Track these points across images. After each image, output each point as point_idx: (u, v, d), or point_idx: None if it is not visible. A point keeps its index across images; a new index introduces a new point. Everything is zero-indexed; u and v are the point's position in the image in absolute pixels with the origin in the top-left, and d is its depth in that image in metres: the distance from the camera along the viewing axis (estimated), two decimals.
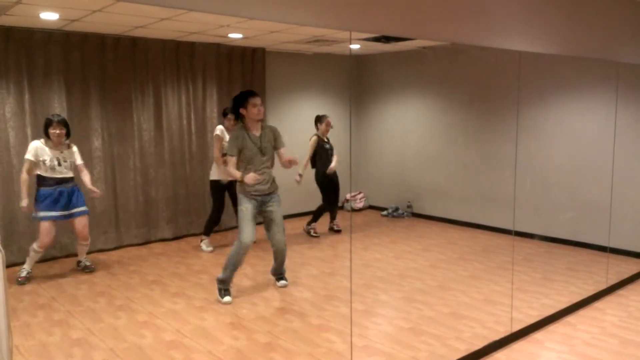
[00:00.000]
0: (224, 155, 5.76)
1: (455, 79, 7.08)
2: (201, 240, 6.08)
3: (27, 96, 5.36)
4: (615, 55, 4.48)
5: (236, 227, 6.84)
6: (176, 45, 6.28)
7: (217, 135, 5.74)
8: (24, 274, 4.92)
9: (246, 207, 4.34)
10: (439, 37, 3.31)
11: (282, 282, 4.79)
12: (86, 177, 5.09)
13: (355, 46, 7.03)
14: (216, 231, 6.49)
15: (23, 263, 5.06)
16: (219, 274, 4.48)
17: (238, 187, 4.45)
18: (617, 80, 5.28)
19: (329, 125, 6.43)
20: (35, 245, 4.87)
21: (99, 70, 5.80)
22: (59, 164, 4.84)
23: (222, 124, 5.90)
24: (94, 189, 5.09)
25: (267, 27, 5.46)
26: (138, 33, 5.69)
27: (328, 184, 6.47)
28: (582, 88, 5.85)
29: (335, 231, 6.78)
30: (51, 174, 4.82)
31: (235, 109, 4.41)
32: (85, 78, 5.72)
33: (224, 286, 4.44)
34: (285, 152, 4.53)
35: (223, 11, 2.34)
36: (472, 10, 3.33)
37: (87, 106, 5.76)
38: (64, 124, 4.84)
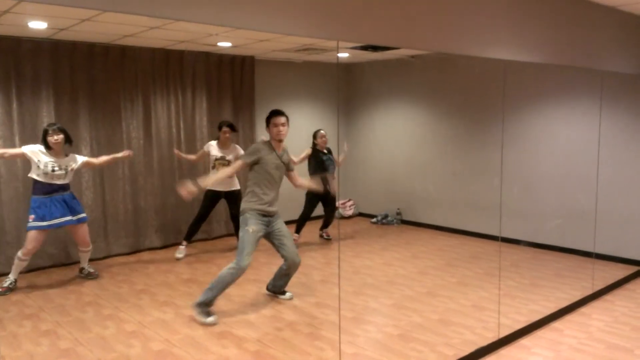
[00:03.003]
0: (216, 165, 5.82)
1: (443, 88, 7.15)
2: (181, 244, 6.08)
3: (15, 105, 5.34)
4: (599, 64, 4.56)
5: (225, 235, 6.91)
6: (165, 54, 6.29)
7: (204, 149, 5.95)
8: (6, 283, 4.86)
9: (253, 230, 4.17)
10: (425, 46, 3.36)
11: (289, 294, 4.69)
12: (103, 158, 5.30)
13: (344, 55, 7.08)
14: (205, 239, 6.48)
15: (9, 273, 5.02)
16: (199, 298, 4.19)
17: (244, 205, 4.27)
18: (601, 89, 5.37)
19: (322, 137, 6.43)
20: (19, 253, 4.83)
21: (88, 79, 5.79)
22: (53, 170, 4.81)
23: (218, 137, 5.91)
24: (121, 154, 5.33)
25: (256, 36, 5.49)
26: (127, 42, 5.70)
27: (314, 196, 6.47)
28: (567, 96, 5.93)
29: (325, 239, 6.79)
30: (43, 178, 4.79)
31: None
32: (74, 87, 5.70)
33: (205, 308, 4.17)
34: (296, 175, 4.58)
35: (211, 21, 2.36)
36: (458, 20, 3.38)
37: (75, 115, 5.74)
38: (61, 130, 4.85)
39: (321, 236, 6.83)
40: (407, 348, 3.66)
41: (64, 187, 4.95)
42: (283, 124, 4.31)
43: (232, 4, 2.37)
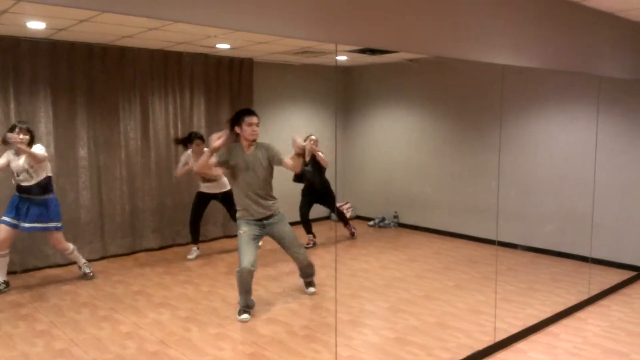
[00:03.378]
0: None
1: (441, 91, 7.17)
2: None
3: (12, 105, 5.33)
4: (597, 69, 4.57)
5: (221, 237, 6.90)
6: (164, 55, 6.29)
7: (184, 158, 5.89)
8: None
9: (244, 230, 4.26)
10: (424, 50, 3.37)
11: (312, 289, 4.80)
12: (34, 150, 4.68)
13: (342, 58, 7.09)
14: (202, 241, 6.47)
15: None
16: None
17: (236, 214, 4.39)
18: (599, 94, 5.38)
19: (313, 143, 6.30)
20: None
21: (86, 80, 5.78)
22: (18, 175, 4.75)
23: (191, 149, 5.85)
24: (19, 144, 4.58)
25: (254, 38, 5.50)
26: (126, 43, 5.70)
27: (308, 198, 6.51)
28: (564, 101, 5.95)
29: (351, 238, 6.94)
30: (17, 181, 4.78)
31: (231, 127, 4.29)
32: (72, 87, 5.69)
33: (244, 308, 4.29)
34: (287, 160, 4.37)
35: (210, 23, 2.37)
36: (456, 25, 3.39)
37: (73, 115, 5.73)
38: (29, 130, 4.68)
39: (351, 234, 6.95)
40: (403, 351, 3.66)
41: (36, 190, 4.78)
42: (257, 124, 4.26)
43: (231, 6, 2.37)
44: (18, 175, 4.75)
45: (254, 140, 4.29)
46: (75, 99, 5.74)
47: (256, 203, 4.28)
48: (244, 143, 4.28)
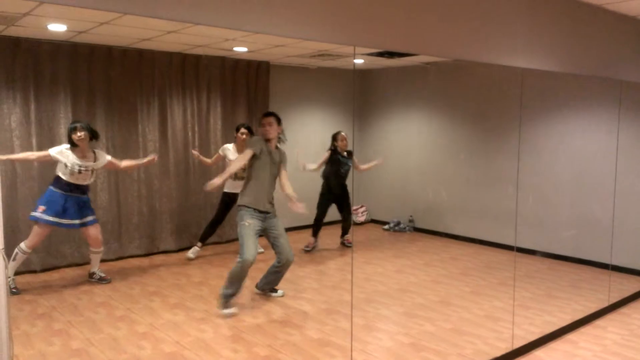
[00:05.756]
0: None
1: (458, 95, 7.12)
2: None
3: (33, 106, 5.40)
4: (618, 73, 4.50)
5: (237, 239, 6.90)
6: (182, 58, 6.33)
7: (219, 152, 5.98)
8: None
9: (249, 223, 4.33)
10: (441, 53, 3.34)
11: (280, 291, 4.80)
12: (126, 163, 5.28)
13: (359, 61, 7.08)
14: (217, 242, 6.49)
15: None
16: (223, 289, 4.39)
17: (240, 201, 4.46)
18: (620, 98, 5.29)
19: (343, 140, 6.44)
20: (22, 245, 4.78)
21: (105, 82, 5.84)
22: (80, 172, 4.84)
23: (235, 140, 5.94)
24: (146, 159, 5.33)
25: (271, 41, 5.51)
26: (145, 45, 5.75)
27: (327, 197, 6.47)
28: (584, 106, 5.86)
29: (347, 246, 6.73)
30: (69, 178, 4.83)
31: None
32: (91, 89, 5.76)
33: (228, 300, 4.38)
34: (286, 175, 4.63)
35: (228, 25, 2.38)
36: (474, 27, 3.36)
37: (92, 117, 5.79)
38: (84, 127, 4.84)
39: (342, 243, 6.78)
40: (419, 357, 3.63)
41: (83, 189, 4.98)
42: (270, 124, 4.49)
43: (250, 9, 2.38)
44: (79, 173, 4.84)
45: (268, 140, 4.48)
46: (95, 100, 5.80)
47: (267, 197, 4.47)
48: (266, 141, 4.51)
